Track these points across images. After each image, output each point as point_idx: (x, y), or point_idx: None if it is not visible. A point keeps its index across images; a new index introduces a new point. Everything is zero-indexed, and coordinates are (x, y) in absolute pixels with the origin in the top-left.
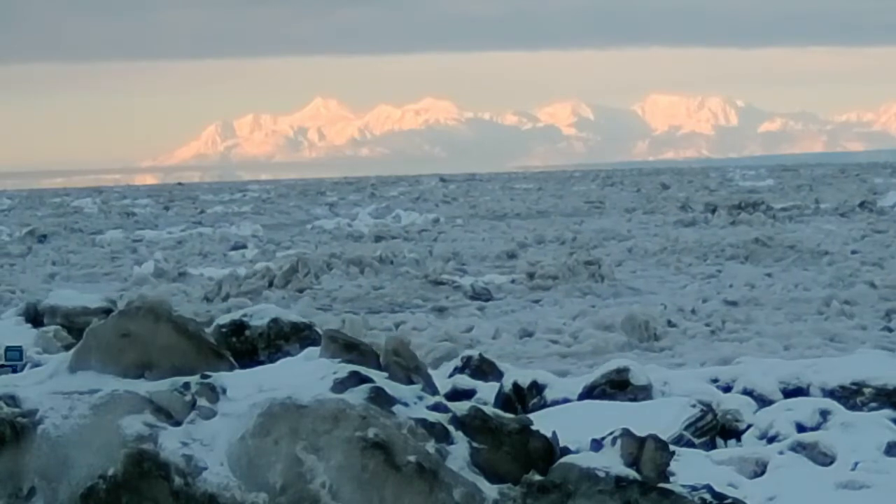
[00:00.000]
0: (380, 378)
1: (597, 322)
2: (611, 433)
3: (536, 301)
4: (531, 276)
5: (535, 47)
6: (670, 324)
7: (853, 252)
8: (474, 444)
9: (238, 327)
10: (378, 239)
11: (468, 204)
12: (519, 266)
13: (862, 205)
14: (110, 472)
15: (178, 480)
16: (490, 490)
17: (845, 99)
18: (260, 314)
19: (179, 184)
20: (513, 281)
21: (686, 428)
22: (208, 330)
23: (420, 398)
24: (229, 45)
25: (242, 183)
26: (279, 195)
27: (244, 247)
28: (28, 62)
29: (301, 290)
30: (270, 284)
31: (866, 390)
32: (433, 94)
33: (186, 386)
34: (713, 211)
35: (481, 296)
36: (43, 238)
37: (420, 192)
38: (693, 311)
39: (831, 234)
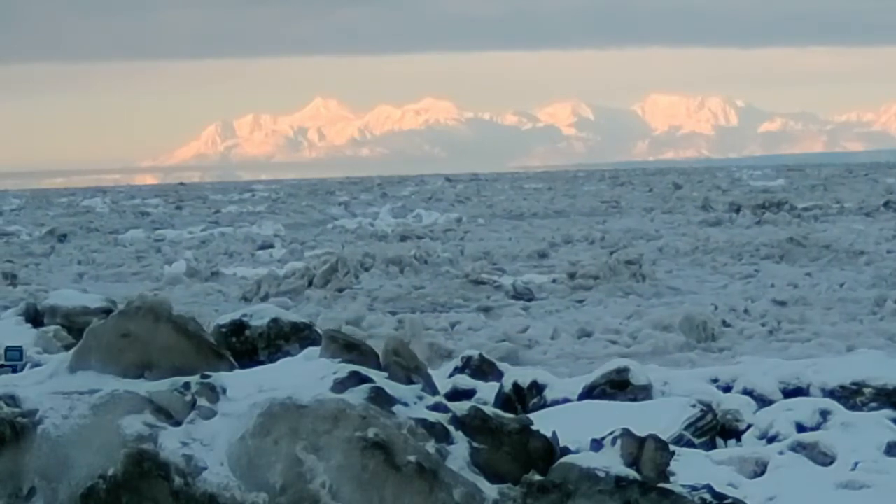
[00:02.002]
0: (380, 378)
1: (654, 322)
2: (611, 433)
3: (580, 301)
4: (572, 275)
5: (535, 47)
6: (725, 324)
7: (889, 252)
8: (474, 444)
9: (238, 327)
10: (403, 238)
11: (483, 203)
12: (559, 266)
13: (886, 205)
14: (110, 472)
15: (178, 480)
16: (490, 490)
17: (845, 99)
18: (260, 314)
19: (181, 183)
20: (553, 280)
21: (686, 428)
22: (208, 330)
23: (420, 398)
24: (229, 45)
25: (246, 183)
26: (289, 195)
27: (271, 246)
28: (28, 62)
29: (341, 290)
30: (310, 284)
31: (866, 390)
32: (433, 94)
33: (186, 386)
34: (737, 210)
35: (523, 295)
36: (63, 237)
37: (431, 191)
38: (746, 311)
39: (862, 234)
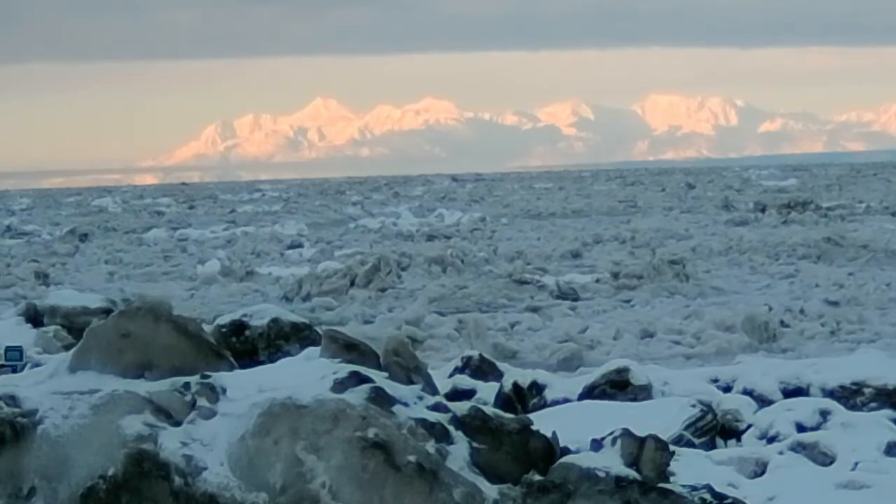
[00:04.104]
0: (380, 378)
1: (716, 323)
2: (611, 433)
3: (627, 301)
4: (615, 275)
5: (535, 47)
6: (783, 324)
7: None
8: (474, 444)
9: (238, 327)
10: (430, 238)
11: (499, 203)
12: (598, 265)
13: None
14: (110, 472)
15: (178, 480)
16: (490, 490)
17: (845, 99)
18: (260, 314)
19: (184, 183)
20: (597, 280)
21: (686, 428)
22: (208, 330)
23: (420, 398)
24: (229, 45)
25: (250, 182)
26: (299, 194)
27: (300, 246)
28: (28, 62)
29: (383, 290)
30: (352, 283)
31: (866, 390)
32: (433, 94)
33: (186, 386)
34: (762, 210)
35: (568, 295)
36: (84, 237)
37: (442, 191)
38: (801, 312)
39: None
